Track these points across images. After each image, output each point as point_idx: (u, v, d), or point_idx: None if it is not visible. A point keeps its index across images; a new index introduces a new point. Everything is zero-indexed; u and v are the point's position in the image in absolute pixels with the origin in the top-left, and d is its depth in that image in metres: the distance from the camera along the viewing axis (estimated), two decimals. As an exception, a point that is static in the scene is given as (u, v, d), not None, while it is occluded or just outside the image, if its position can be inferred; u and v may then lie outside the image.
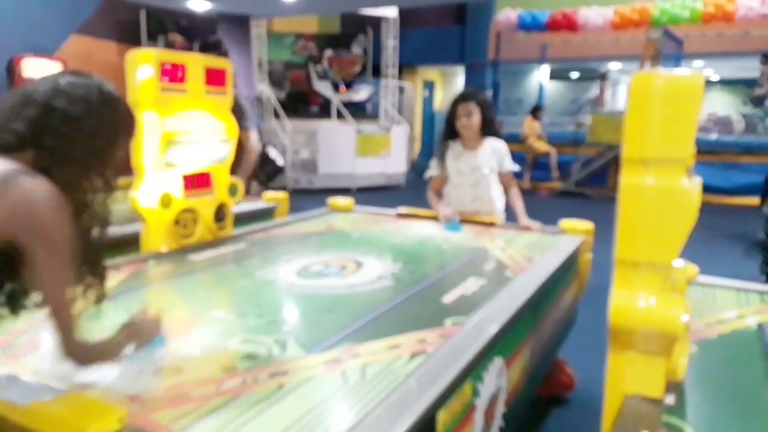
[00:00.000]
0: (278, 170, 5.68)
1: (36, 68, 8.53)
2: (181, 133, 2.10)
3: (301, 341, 1.32)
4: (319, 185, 9.14)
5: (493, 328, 1.39)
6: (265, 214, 3.14)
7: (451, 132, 2.89)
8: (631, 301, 1.21)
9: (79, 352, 1.02)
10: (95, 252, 1.11)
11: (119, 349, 1.13)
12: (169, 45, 10.59)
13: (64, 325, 1.00)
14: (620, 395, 1.26)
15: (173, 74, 2.03)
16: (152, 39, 10.44)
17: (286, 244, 2.35)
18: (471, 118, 2.79)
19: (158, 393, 1.06)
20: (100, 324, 1.40)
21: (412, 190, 9.66)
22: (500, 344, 1.45)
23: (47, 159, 0.98)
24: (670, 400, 1.25)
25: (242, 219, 2.70)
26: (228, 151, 2.32)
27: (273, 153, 5.71)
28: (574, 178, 9.44)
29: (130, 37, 10.43)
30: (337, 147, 9.31)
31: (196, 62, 2.14)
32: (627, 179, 1.21)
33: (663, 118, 1.16)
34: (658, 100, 1.16)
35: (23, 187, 0.92)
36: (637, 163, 1.20)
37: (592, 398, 2.66)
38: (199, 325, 1.44)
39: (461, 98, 2.83)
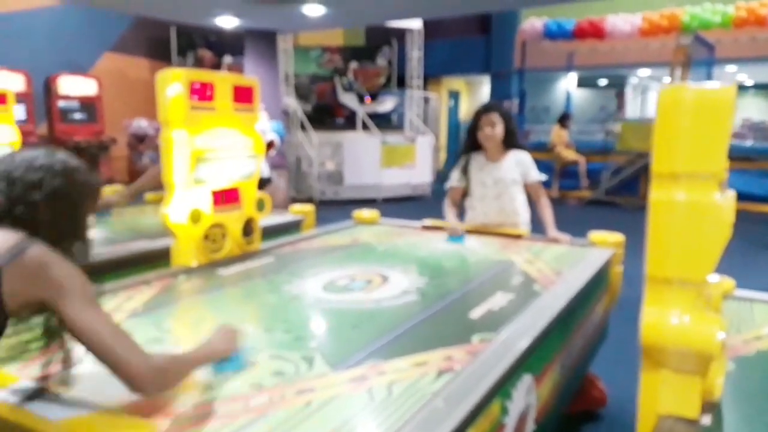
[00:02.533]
0: (266, 182, 5.79)
1: (71, 85, 8.84)
2: (209, 150, 2.14)
3: (328, 358, 1.33)
4: (344, 196, 9.19)
5: (521, 345, 1.38)
6: (292, 227, 3.18)
7: (474, 143, 2.88)
8: (663, 318, 1.18)
9: (150, 378, 0.98)
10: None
11: (194, 368, 1.13)
12: (199, 61, 10.84)
13: (124, 354, 0.98)
14: (654, 415, 1.23)
15: (202, 93, 2.07)
16: (182, 55, 10.70)
17: (313, 257, 2.37)
18: (494, 128, 2.78)
19: (187, 410, 1.07)
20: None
21: (437, 201, 9.58)
22: (529, 361, 1.42)
23: (23, 228, 1.03)
24: (706, 420, 1.21)
25: (270, 232, 2.74)
26: (255, 166, 2.35)
27: (262, 165, 5.80)
28: (604, 187, 9.28)
29: (161, 54, 10.72)
30: (363, 158, 9.36)
31: (224, 81, 2.18)
32: (657, 194, 1.19)
33: (693, 132, 1.14)
34: (687, 113, 1.14)
35: (34, 252, 0.99)
36: (667, 178, 1.18)
37: (624, 414, 2.60)
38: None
39: (484, 109, 2.83)
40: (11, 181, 1.04)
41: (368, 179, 9.33)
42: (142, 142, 9.95)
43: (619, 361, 2.87)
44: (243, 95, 2.24)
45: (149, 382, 0.98)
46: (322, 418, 1.06)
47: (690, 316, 1.17)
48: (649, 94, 17.21)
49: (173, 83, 2.04)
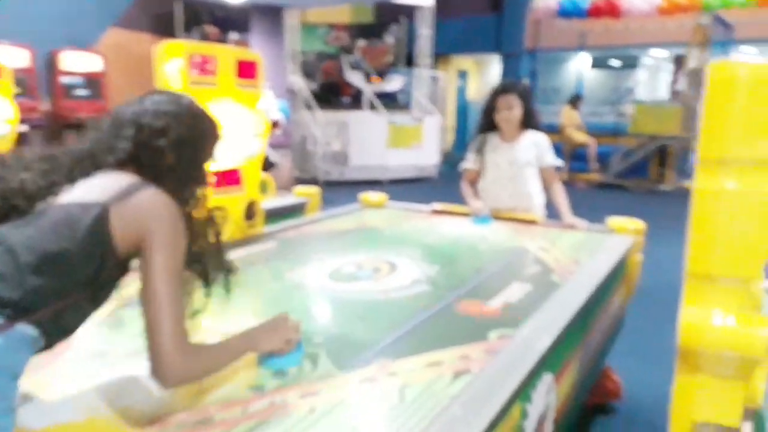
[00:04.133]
0: (270, 165, 5.73)
1: (75, 61, 8.68)
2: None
3: (334, 356, 1.23)
4: (350, 177, 9.06)
5: (543, 344, 1.27)
6: (297, 209, 3.07)
7: (489, 124, 2.76)
8: (704, 319, 1.07)
9: (180, 361, 0.95)
10: (203, 260, 1.13)
11: (235, 357, 1.08)
12: (204, 36, 10.64)
13: (171, 327, 0.94)
14: (689, 422, 1.13)
15: (203, 66, 1.95)
16: (187, 31, 10.50)
17: (318, 243, 2.26)
18: (512, 111, 2.65)
19: (180, 416, 0.98)
20: (122, 331, 1.34)
21: (444, 182, 9.50)
22: (549, 359, 1.32)
23: (147, 173, 1.03)
24: (746, 428, 1.11)
25: (273, 215, 2.63)
26: (258, 146, 2.23)
27: (267, 149, 5.73)
28: (614, 170, 9.11)
29: (165, 29, 10.52)
30: (369, 138, 9.20)
31: (226, 54, 2.05)
32: (702, 182, 1.07)
33: (747, 112, 1.02)
34: (741, 92, 1.02)
35: (145, 194, 0.98)
36: (715, 164, 1.06)
37: (639, 407, 2.51)
38: (227, 334, 1.36)
39: (502, 90, 2.69)
40: (139, 127, 1.04)
41: (374, 160, 9.19)
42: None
43: (632, 352, 2.78)
44: (247, 70, 2.12)
45: (178, 364, 0.94)
46: (328, 426, 0.96)
47: (735, 316, 1.06)
48: (662, 76, 16.87)
49: (172, 56, 1.92)
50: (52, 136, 8.43)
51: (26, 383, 0.97)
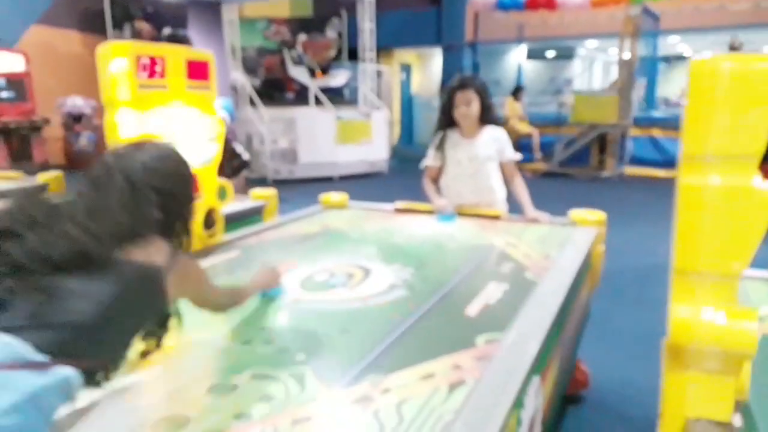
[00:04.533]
0: (244, 164, 5.65)
1: (-4, 61, 8.10)
2: (162, 134, 1.89)
3: (320, 373, 1.16)
4: (300, 175, 8.91)
5: (533, 348, 1.25)
6: (254, 213, 2.96)
7: (449, 120, 2.74)
8: (695, 316, 1.07)
9: (226, 301, 1.37)
10: None
11: (250, 296, 1.47)
12: (136, 33, 10.15)
13: (232, 302, 1.40)
14: (681, 418, 1.13)
15: (151, 68, 1.82)
16: (118, 27, 9.99)
17: (282, 249, 2.17)
18: (470, 106, 2.64)
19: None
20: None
21: (395, 177, 9.50)
22: (537, 361, 1.30)
23: (165, 233, 1.12)
24: (737, 421, 1.12)
25: (230, 220, 2.51)
26: (215, 150, 2.12)
27: (239, 148, 5.68)
28: (558, 159, 9.37)
29: (94, 26, 9.99)
30: (317, 135, 9.06)
31: (175, 54, 1.93)
32: (687, 178, 1.07)
33: (730, 107, 1.02)
34: (723, 86, 1.02)
35: (183, 260, 1.15)
36: (699, 160, 1.06)
37: (606, 393, 2.57)
38: (200, 356, 1.27)
39: (459, 86, 2.67)
40: (159, 193, 1.10)
41: (324, 157, 9.06)
42: (78, 122, 9.31)
43: (592, 338, 2.83)
44: (198, 71, 2.00)
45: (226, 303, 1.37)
46: (328, 456, 0.90)
47: (725, 312, 1.06)
48: (595, 66, 17.51)
49: (117, 58, 1.78)
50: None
51: None
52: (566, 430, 2.34)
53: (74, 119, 9.23)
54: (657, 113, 11.02)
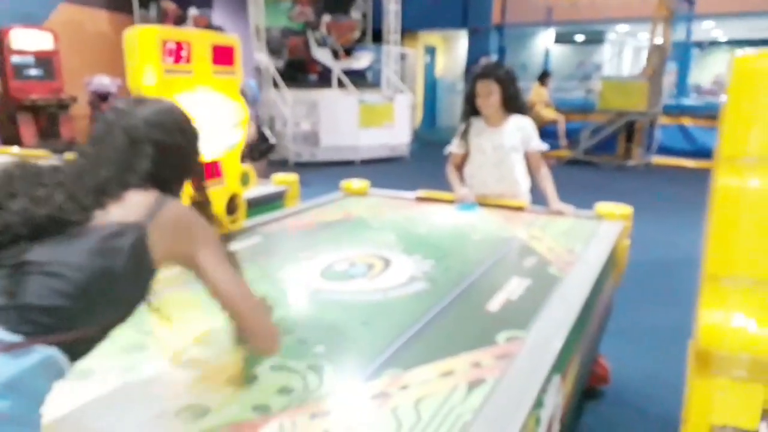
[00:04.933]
0: (271, 148, 5.76)
1: (25, 39, 8.21)
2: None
3: (339, 367, 1.16)
4: (321, 158, 8.91)
5: (555, 347, 1.23)
6: (276, 198, 2.96)
7: (473, 109, 2.70)
8: (725, 322, 1.04)
9: (272, 340, 1.09)
10: None
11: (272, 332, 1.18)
12: (162, 13, 10.18)
13: (258, 308, 1.08)
14: (706, 425, 1.11)
15: (177, 54, 1.82)
16: (144, 7, 10.03)
17: (304, 237, 2.17)
18: (489, 98, 2.60)
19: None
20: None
21: (417, 162, 9.44)
22: (557, 360, 1.29)
23: (160, 184, 1.06)
24: (764, 429, 1.10)
25: (252, 205, 2.52)
26: (239, 136, 2.12)
27: (267, 132, 5.76)
28: (583, 146, 9.20)
29: (121, 5, 10.04)
30: (339, 118, 9.03)
31: (201, 39, 1.92)
32: (724, 180, 1.03)
33: (773, 108, 0.97)
34: (766, 85, 0.97)
35: (170, 208, 1.01)
36: (738, 162, 1.02)
37: (625, 388, 2.54)
38: (221, 345, 1.27)
39: (480, 75, 2.62)
40: (155, 145, 1.06)
41: (345, 140, 9.04)
42: (105, 101, 9.41)
43: (613, 332, 2.80)
44: (223, 56, 1.99)
45: (271, 343, 1.10)
46: (346, 453, 0.90)
47: (755, 319, 1.03)
48: (625, 51, 17.07)
49: (143, 42, 1.78)
50: (5, 120, 8.00)
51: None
52: (585, 426, 2.33)
53: (101, 98, 9.33)
54: (688, 101, 10.74)
